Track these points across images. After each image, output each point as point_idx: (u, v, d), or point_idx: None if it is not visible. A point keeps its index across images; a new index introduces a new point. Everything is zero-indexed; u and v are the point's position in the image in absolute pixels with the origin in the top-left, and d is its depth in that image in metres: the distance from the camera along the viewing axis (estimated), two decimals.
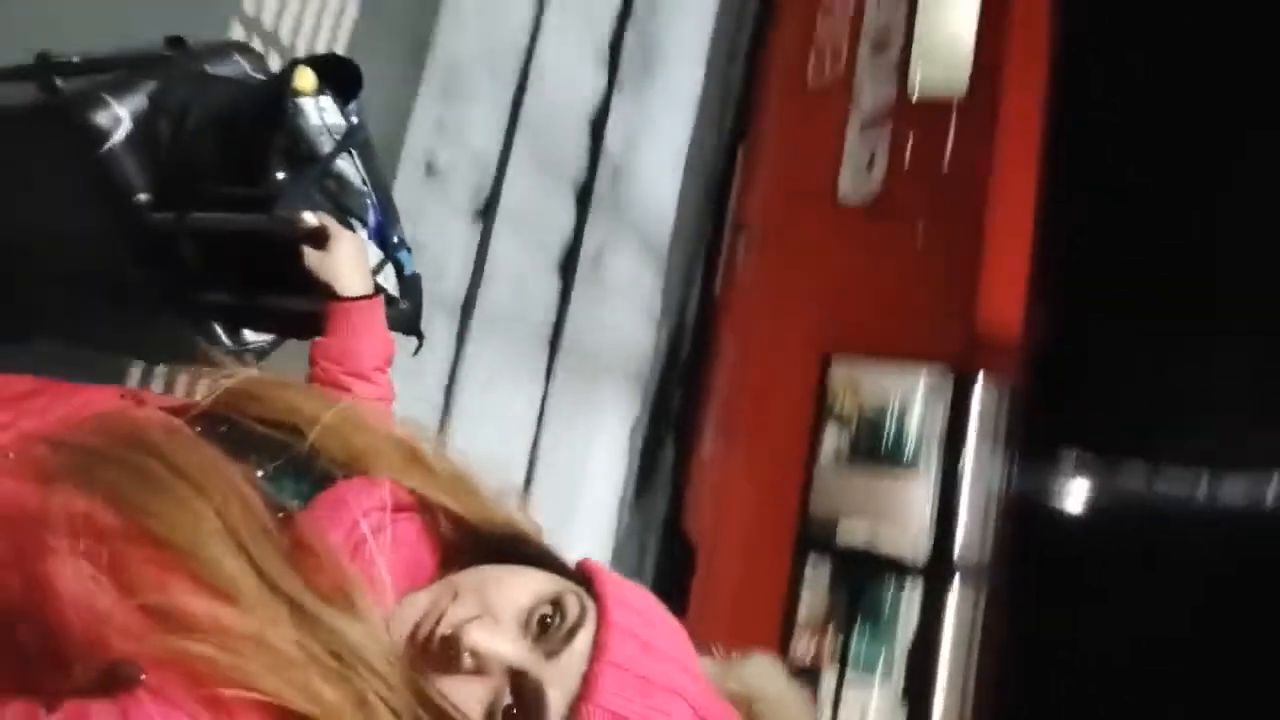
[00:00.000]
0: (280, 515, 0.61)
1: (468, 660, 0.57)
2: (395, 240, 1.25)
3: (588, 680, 0.57)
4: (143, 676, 0.51)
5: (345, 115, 1.22)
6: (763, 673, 0.69)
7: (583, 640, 0.59)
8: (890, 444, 4.34)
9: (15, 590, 0.56)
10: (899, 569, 4.02)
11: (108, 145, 1.19)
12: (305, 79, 1.16)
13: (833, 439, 4.39)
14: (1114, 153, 5.48)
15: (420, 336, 1.25)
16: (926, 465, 4.26)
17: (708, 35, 4.57)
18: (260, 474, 0.65)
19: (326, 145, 1.18)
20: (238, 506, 0.58)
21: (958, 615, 3.89)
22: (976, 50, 4.61)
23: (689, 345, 4.79)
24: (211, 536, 0.56)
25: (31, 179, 1.31)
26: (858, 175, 4.57)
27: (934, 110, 4.56)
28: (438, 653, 0.58)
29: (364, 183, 1.23)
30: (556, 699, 0.57)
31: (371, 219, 1.21)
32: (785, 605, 4.04)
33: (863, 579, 4.05)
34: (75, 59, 1.31)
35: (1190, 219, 5.52)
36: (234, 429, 0.69)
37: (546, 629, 0.60)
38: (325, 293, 1.04)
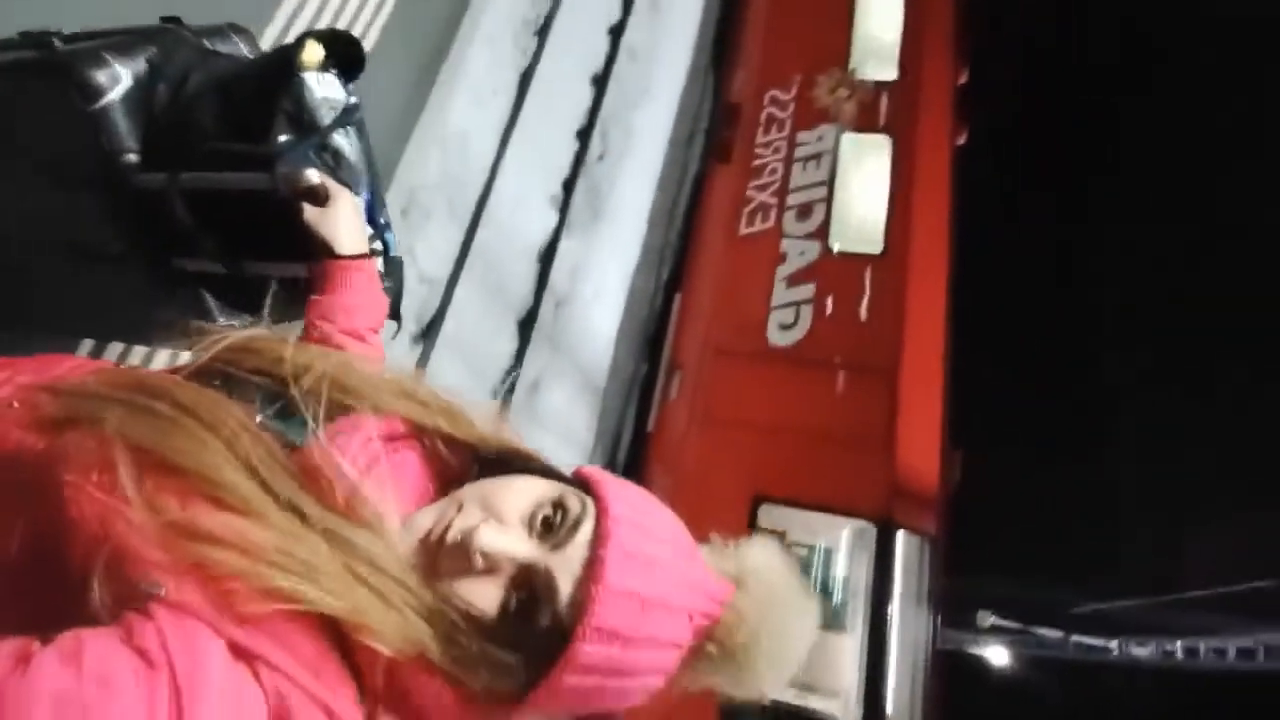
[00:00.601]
0: (287, 448, 0.61)
1: (479, 561, 0.59)
2: (382, 221, 1.26)
3: (594, 564, 0.60)
4: (162, 591, 0.51)
5: (346, 93, 1.24)
6: (758, 553, 0.71)
7: (586, 531, 0.62)
8: (818, 599, 4.31)
9: (33, 531, 0.56)
10: None
11: (103, 102, 1.18)
12: (312, 52, 1.18)
13: None
14: (1013, 304, 6.00)
15: (399, 320, 1.23)
16: (853, 621, 4.23)
17: (652, 190, 4.91)
18: (260, 418, 0.65)
19: (326, 118, 1.19)
20: (247, 437, 0.60)
21: None
22: (889, 216, 5.13)
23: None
24: (225, 463, 0.57)
25: (18, 136, 1.26)
26: (784, 324, 4.85)
27: (853, 266, 4.96)
28: (449, 558, 0.60)
29: (359, 160, 1.24)
30: (566, 585, 0.60)
31: (363, 196, 1.21)
32: None
33: None
34: (72, 32, 1.29)
35: (1086, 359, 6.00)
36: (230, 380, 0.69)
37: (550, 526, 0.62)
38: (322, 250, 1.04)
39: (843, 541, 4.28)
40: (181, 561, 0.52)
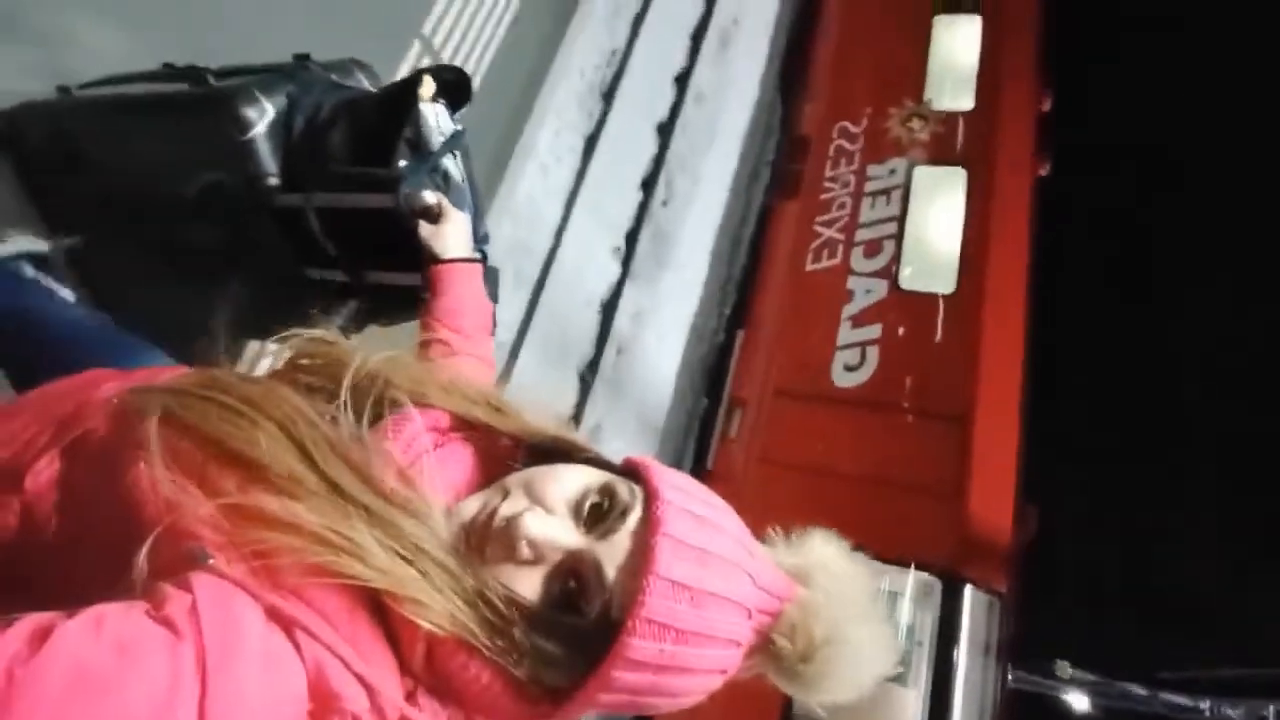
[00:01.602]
0: (346, 438, 0.63)
1: (524, 550, 0.58)
2: (482, 235, 1.40)
3: (644, 553, 0.57)
4: (210, 559, 0.52)
5: (454, 121, 1.37)
6: (822, 547, 0.67)
7: (635, 519, 0.59)
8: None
9: (90, 513, 0.60)
10: None
11: (252, 133, 1.35)
12: (427, 86, 1.32)
13: None
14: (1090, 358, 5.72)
15: (494, 324, 1.33)
16: (916, 675, 4.09)
17: (716, 229, 4.89)
18: (317, 410, 0.67)
19: (438, 144, 1.33)
20: (302, 425, 0.61)
21: None
22: (962, 253, 4.95)
23: None
24: (282, 449, 0.59)
25: (177, 159, 1.42)
26: (850, 365, 4.74)
27: (923, 305, 4.82)
28: (494, 545, 0.59)
29: (463, 181, 1.39)
30: (614, 574, 0.57)
31: (467, 213, 1.33)
32: None
33: None
34: (217, 68, 1.47)
35: (1170, 405, 5.67)
36: (298, 378, 0.72)
37: (599, 515, 0.60)
38: (432, 259, 1.15)
39: (908, 589, 4.15)
40: (234, 540, 0.53)
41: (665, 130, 4.23)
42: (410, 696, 0.56)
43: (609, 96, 3.69)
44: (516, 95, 3.09)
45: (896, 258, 5.03)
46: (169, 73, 1.52)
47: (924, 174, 5.34)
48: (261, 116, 1.36)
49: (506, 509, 0.60)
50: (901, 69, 5.69)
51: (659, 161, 4.11)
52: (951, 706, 3.96)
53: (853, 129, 5.61)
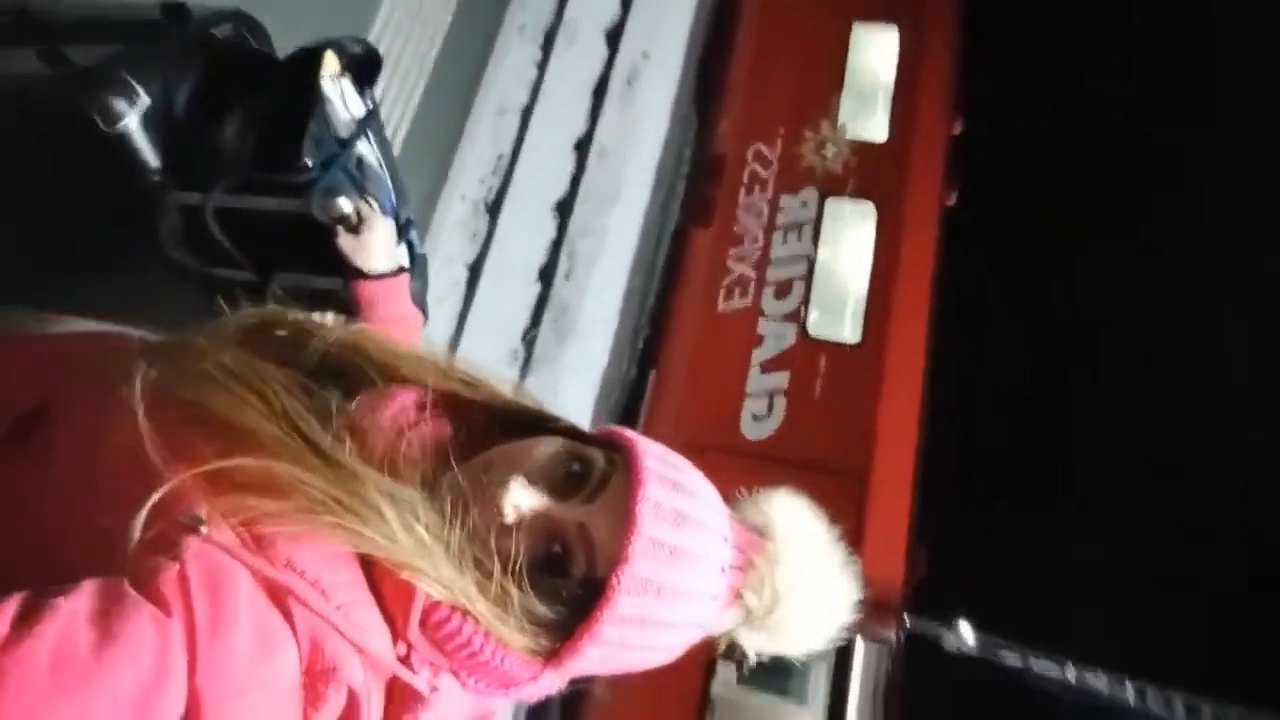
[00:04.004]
0: (323, 408, 0.62)
1: (511, 517, 0.60)
2: (405, 221, 1.29)
3: (629, 514, 0.60)
4: (203, 526, 0.52)
5: (363, 99, 1.26)
6: (783, 503, 0.71)
7: (616, 485, 0.62)
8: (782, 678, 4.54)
9: (72, 482, 0.58)
10: None
11: (123, 124, 1.17)
12: (330, 63, 1.21)
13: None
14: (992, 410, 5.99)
15: (425, 314, 1.28)
16: (814, 695, 4.45)
17: (626, 275, 4.79)
18: (298, 381, 0.66)
19: (347, 129, 1.22)
20: (283, 393, 0.61)
21: None
22: (869, 297, 5.03)
23: None
24: (264, 417, 0.58)
25: (43, 159, 1.26)
26: (758, 415, 4.84)
27: (830, 355, 4.91)
28: (483, 515, 0.60)
29: (380, 165, 1.28)
30: (599, 536, 0.60)
31: (388, 201, 1.25)
32: None
33: None
34: (60, 14, 1.26)
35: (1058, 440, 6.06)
36: (271, 346, 0.70)
37: (576, 481, 0.63)
38: (356, 274, 1.09)
39: None
40: (224, 508, 0.53)
41: (564, 206, 4.05)
42: (404, 660, 0.58)
43: (495, 208, 3.50)
44: None
45: (806, 300, 5.06)
46: (7, 28, 1.28)
47: (835, 207, 5.31)
48: (133, 104, 1.17)
49: (492, 480, 0.62)
50: (816, 86, 5.54)
51: (559, 242, 3.97)
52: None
53: (767, 153, 5.49)
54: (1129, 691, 6.68)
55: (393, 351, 0.74)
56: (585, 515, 0.62)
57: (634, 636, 0.62)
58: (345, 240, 1.11)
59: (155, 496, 0.52)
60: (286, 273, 1.24)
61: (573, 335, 4.00)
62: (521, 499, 0.61)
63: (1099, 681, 7.22)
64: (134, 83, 1.16)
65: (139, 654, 0.46)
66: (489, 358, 3.48)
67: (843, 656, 4.41)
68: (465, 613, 0.58)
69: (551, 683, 0.64)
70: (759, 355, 4.97)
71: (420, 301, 1.26)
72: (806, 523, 0.70)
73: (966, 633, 9.19)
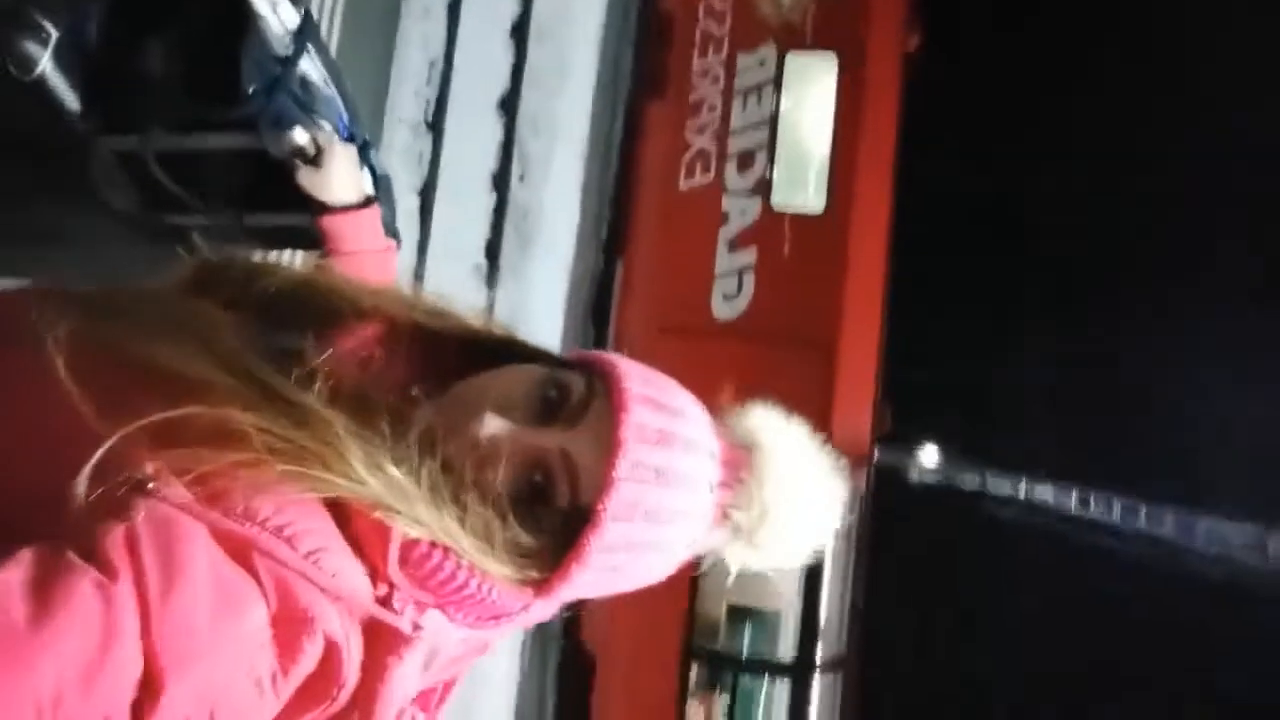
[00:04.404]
0: (283, 353, 0.60)
1: (485, 444, 0.59)
2: (363, 141, 1.18)
3: (612, 438, 0.58)
4: (151, 484, 0.50)
5: (295, 8, 1.14)
6: (764, 417, 0.70)
7: (598, 409, 0.61)
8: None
9: (12, 446, 0.56)
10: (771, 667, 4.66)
11: (39, 69, 1.06)
12: None
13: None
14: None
15: (397, 238, 1.19)
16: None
17: (581, 160, 4.62)
18: (249, 326, 0.64)
19: (283, 45, 1.10)
20: (229, 335, 0.58)
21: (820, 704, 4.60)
22: (832, 160, 4.92)
23: None
24: (208, 364, 0.55)
25: None
26: (728, 294, 4.88)
27: (795, 227, 4.88)
28: (458, 448, 0.59)
29: (326, 82, 1.18)
30: (583, 462, 0.59)
31: (340, 121, 1.16)
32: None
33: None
34: None
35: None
36: (216, 292, 0.68)
37: (552, 407, 0.61)
38: (321, 209, 1.02)
39: None
40: (173, 462, 0.50)
41: (508, 103, 3.79)
42: (384, 601, 0.56)
43: (437, 124, 3.25)
44: None
45: (769, 171, 4.94)
46: None
47: (795, 63, 5.05)
48: (46, 44, 1.04)
49: (466, 411, 0.60)
50: None
51: (508, 144, 3.76)
52: (819, 597, 4.83)
53: (719, 6, 5.11)
54: (1073, 500, 7.41)
55: (351, 286, 0.71)
56: (567, 441, 0.60)
57: (623, 560, 0.61)
58: (305, 175, 1.02)
59: (96, 456, 0.49)
60: (249, 212, 1.16)
61: (536, 239, 3.92)
62: (496, 427, 0.59)
63: (1046, 492, 7.96)
64: (40, 18, 1.03)
65: (81, 622, 0.44)
66: (453, 278, 3.43)
67: None
68: (447, 549, 0.56)
69: (542, 611, 0.64)
70: (725, 233, 4.93)
71: (390, 227, 1.18)
72: (790, 435, 0.68)
73: (932, 456, 9.93)
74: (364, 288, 0.71)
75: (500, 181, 3.81)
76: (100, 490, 0.49)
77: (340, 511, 0.55)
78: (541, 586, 0.60)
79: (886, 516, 5.31)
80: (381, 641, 0.56)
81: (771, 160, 4.95)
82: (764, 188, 4.94)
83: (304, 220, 1.01)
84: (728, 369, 4.76)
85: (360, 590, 0.54)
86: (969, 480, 8.00)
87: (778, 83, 5.03)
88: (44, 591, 0.44)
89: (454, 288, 3.80)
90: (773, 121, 5.00)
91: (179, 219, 1.17)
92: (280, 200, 1.06)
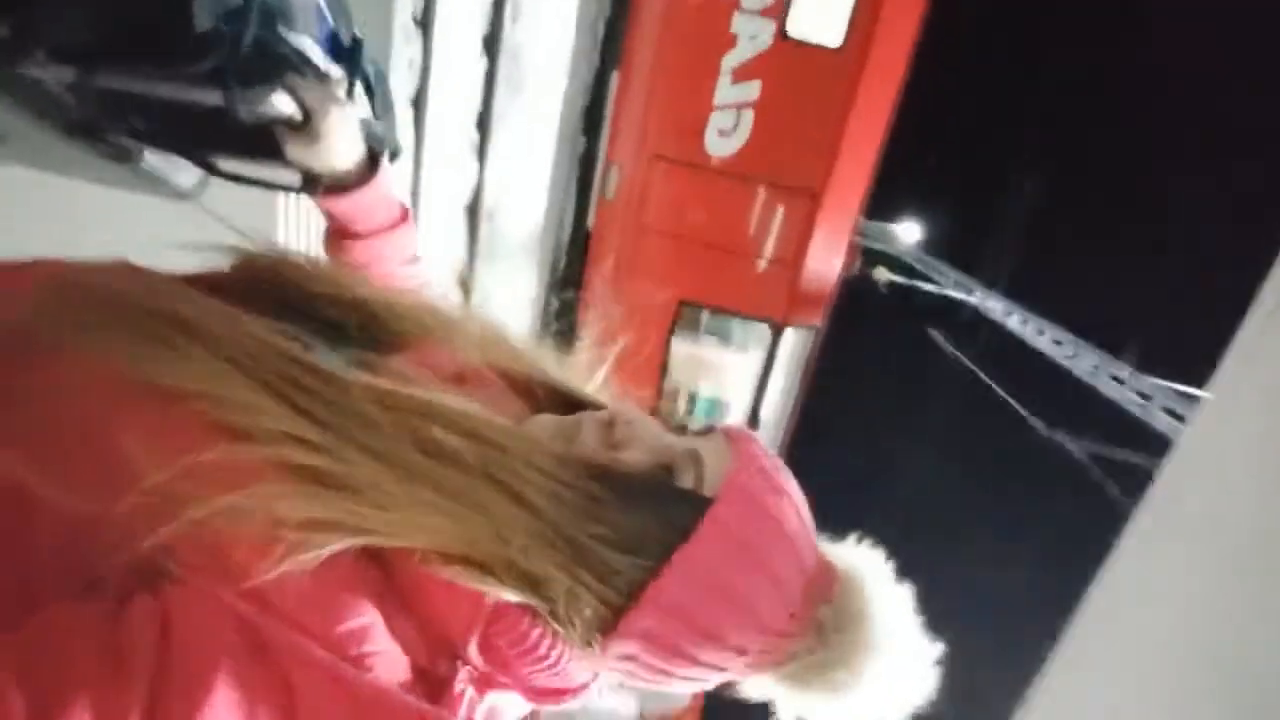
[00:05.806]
0: (333, 374, 0.53)
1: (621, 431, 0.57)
2: (350, 44, 0.95)
3: (737, 450, 0.58)
4: (175, 570, 0.43)
5: None
6: (865, 559, 0.64)
7: (719, 437, 0.60)
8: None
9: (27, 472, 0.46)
10: None
11: None
12: None
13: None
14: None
15: (397, 152, 1.03)
16: (755, 352, 5.44)
17: None
18: (296, 339, 0.57)
19: None
20: (268, 351, 0.52)
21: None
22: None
23: (564, 269, 5.30)
24: (243, 387, 0.50)
25: None
26: (724, 130, 4.74)
27: (805, 61, 4.57)
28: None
29: None
30: (709, 460, 0.58)
31: (321, 31, 0.93)
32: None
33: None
34: None
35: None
36: (262, 298, 0.62)
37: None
38: (320, 187, 0.83)
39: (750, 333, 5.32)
40: (190, 521, 0.43)
41: None
42: (441, 681, 0.50)
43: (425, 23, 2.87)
44: None
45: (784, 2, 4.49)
46: None
47: None
48: None
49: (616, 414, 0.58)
50: None
51: None
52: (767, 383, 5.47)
53: None
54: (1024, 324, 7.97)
55: (416, 309, 0.66)
56: (698, 444, 0.59)
57: (719, 582, 0.54)
58: (294, 148, 0.81)
59: (124, 506, 0.43)
60: (225, 159, 0.93)
61: (527, 85, 3.74)
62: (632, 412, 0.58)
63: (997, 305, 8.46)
64: None
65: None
66: (450, 156, 3.36)
67: (776, 334, 5.25)
68: (536, 612, 0.52)
69: (604, 681, 0.60)
70: (730, 61, 4.63)
71: (391, 141, 0.98)
72: (879, 586, 0.62)
73: (911, 232, 10.15)
74: (438, 316, 0.67)
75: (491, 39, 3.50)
76: (129, 551, 0.44)
77: (403, 583, 0.50)
78: (630, 601, 0.54)
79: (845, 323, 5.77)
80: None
81: None
82: (779, 9, 4.52)
83: (285, 177, 0.85)
84: (710, 205, 4.84)
85: (409, 678, 0.49)
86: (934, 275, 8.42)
87: None
88: (43, 671, 0.40)
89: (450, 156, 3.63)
90: None
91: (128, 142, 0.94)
92: (262, 148, 0.84)
